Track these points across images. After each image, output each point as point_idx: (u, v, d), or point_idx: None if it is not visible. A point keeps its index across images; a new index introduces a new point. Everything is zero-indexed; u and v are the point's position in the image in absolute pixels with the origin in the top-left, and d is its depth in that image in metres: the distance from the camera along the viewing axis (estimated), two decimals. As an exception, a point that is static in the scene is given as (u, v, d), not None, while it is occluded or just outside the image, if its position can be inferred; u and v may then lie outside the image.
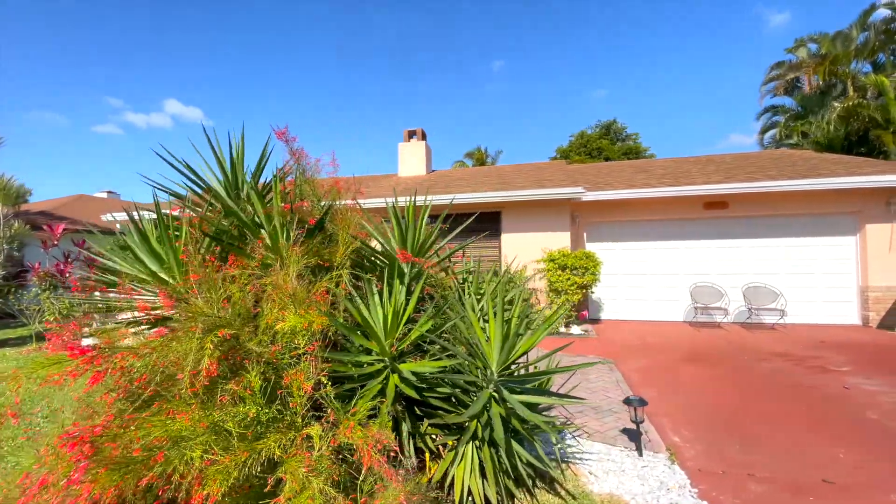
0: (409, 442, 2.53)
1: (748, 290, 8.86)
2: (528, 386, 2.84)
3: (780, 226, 9.04)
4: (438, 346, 2.82)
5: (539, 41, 57.61)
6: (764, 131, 21.29)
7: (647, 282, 9.74)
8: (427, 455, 2.65)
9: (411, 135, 14.14)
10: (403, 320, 2.53)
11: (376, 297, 2.62)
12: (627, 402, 3.47)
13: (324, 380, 2.00)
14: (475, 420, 2.53)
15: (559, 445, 3.47)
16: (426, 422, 2.68)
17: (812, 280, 8.89)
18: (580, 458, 3.37)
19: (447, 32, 57.90)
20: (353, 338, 2.47)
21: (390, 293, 2.62)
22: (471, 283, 3.56)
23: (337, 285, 2.53)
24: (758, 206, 9.03)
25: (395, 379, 2.42)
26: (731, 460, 3.32)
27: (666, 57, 55.49)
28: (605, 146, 35.70)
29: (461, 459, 2.55)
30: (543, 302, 9.13)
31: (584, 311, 8.87)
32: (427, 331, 2.67)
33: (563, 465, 3.20)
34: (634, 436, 3.56)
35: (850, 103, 15.86)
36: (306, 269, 2.41)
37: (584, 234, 10.02)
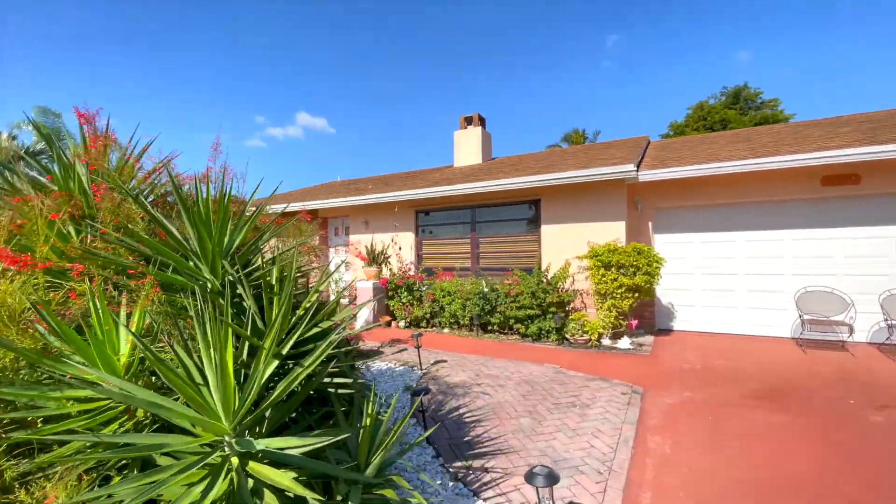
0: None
1: (889, 299, 6.35)
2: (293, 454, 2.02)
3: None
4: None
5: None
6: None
7: (736, 284, 7.65)
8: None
9: (467, 121, 13.33)
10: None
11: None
12: (529, 477, 2.40)
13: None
14: None
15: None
16: None
17: None
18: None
19: (553, 9, 55.09)
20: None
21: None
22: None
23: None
24: (912, 179, 6.40)
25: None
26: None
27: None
28: (732, 117, 30.35)
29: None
30: (591, 308, 7.74)
31: (632, 320, 7.27)
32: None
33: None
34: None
35: None
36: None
37: (650, 224, 8.25)
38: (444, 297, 8.39)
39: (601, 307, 7.21)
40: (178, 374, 1.76)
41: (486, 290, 7.85)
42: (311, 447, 1.97)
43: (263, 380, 1.93)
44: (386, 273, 9.47)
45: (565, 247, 8.14)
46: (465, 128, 13.28)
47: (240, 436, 1.83)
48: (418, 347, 5.71)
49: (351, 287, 9.06)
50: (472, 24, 63.61)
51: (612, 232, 7.70)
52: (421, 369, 5.69)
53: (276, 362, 2.01)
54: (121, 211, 2.51)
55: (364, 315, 6.46)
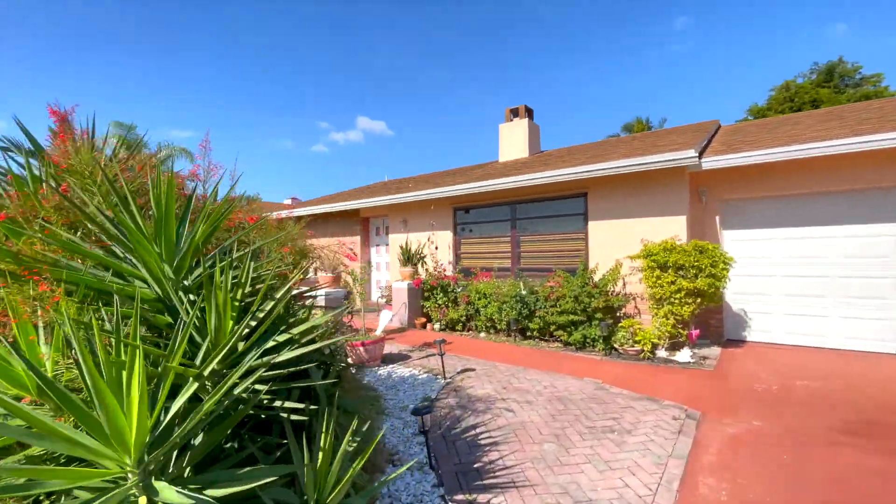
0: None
1: None
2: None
3: None
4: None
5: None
6: None
7: (828, 288, 6.45)
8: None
9: (513, 113, 12.73)
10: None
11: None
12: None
13: None
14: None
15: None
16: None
17: None
18: None
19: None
20: None
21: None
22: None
23: None
24: None
25: None
26: None
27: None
28: (826, 96, 26.86)
29: None
30: (644, 314, 6.91)
31: (693, 329, 6.35)
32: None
33: None
34: None
35: None
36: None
37: (717, 219, 7.23)
38: (479, 299, 7.92)
39: (656, 314, 6.38)
40: (71, 397, 1.49)
41: (523, 292, 7.28)
42: (240, 489, 1.64)
43: (179, 405, 1.62)
44: (422, 273, 9.17)
45: (615, 245, 7.35)
46: (511, 120, 12.69)
47: (146, 472, 1.54)
48: (441, 355, 5.31)
49: (387, 288, 8.86)
50: (526, 12, 62.10)
51: (669, 228, 6.81)
52: (445, 378, 5.28)
53: (197, 384, 1.69)
54: (71, 211, 2.34)
55: (385, 318, 6.17)
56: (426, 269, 9.08)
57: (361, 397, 3.86)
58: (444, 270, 9.04)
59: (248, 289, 2.21)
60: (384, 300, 9.87)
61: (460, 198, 9.50)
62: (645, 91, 63.59)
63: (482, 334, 7.92)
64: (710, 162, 6.61)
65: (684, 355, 6.07)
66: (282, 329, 2.28)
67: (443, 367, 5.35)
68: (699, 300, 6.06)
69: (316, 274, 7.88)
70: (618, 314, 7.17)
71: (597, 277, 7.18)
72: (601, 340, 6.51)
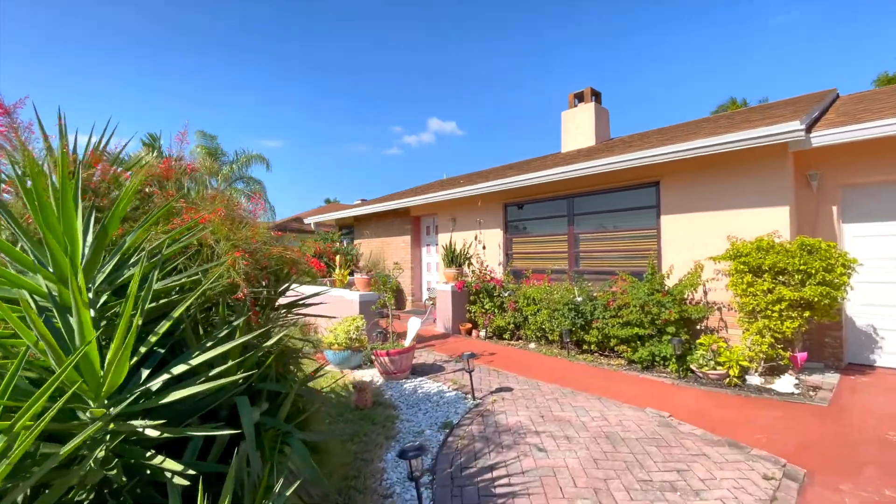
0: None
1: None
2: None
3: None
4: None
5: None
6: None
7: None
8: None
9: (577, 98, 11.65)
10: None
11: None
12: None
13: None
14: None
15: None
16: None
17: None
18: None
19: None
20: None
21: None
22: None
23: None
24: None
25: None
26: None
27: None
28: None
29: None
30: (732, 328, 5.69)
31: (799, 351, 5.02)
32: None
33: None
34: None
35: None
36: None
37: (833, 210, 5.74)
38: (527, 305, 7.10)
39: (747, 329, 5.16)
40: None
41: (578, 299, 6.34)
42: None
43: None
44: (469, 275, 8.52)
45: (694, 244, 6.16)
46: (575, 106, 11.60)
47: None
48: (469, 372, 4.64)
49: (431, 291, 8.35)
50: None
51: (765, 222, 5.51)
52: (474, 399, 4.61)
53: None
54: None
55: (414, 327, 5.62)
56: (473, 271, 8.42)
57: (338, 432, 3.36)
58: (491, 272, 8.30)
59: (150, 304, 1.75)
60: (430, 303, 9.38)
61: (511, 192, 8.71)
62: (742, 70, 56.96)
63: (532, 345, 7.09)
64: (824, 137, 5.21)
65: (785, 384, 4.81)
66: (190, 354, 1.79)
67: (472, 385, 4.68)
68: (807, 314, 4.76)
69: (352, 275, 7.57)
70: (697, 327, 5.99)
71: (670, 283, 6.05)
72: (673, 360, 5.42)
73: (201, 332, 2.14)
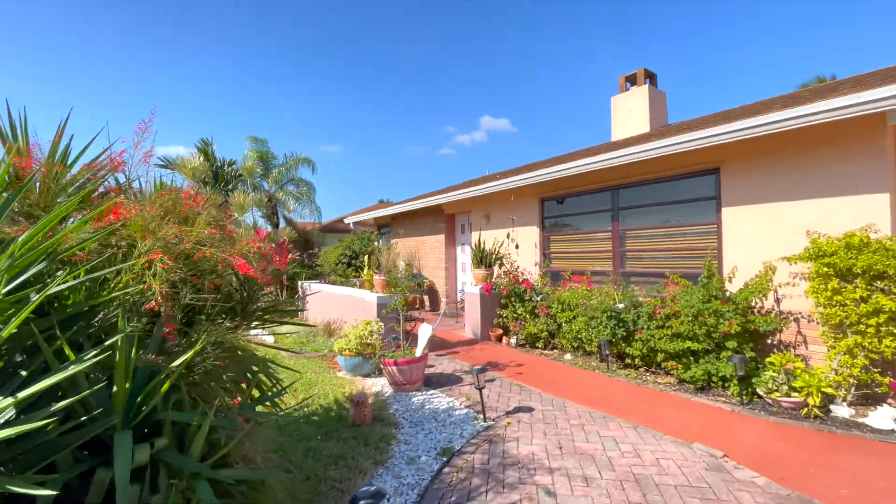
0: None
1: None
2: None
3: None
4: None
5: None
6: None
7: None
8: None
9: (629, 81, 10.63)
10: None
11: None
12: None
13: None
14: None
15: None
16: None
17: None
18: None
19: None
20: None
21: None
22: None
23: None
24: None
25: None
26: None
27: None
28: None
29: None
30: (813, 344, 4.69)
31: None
32: None
33: None
34: None
35: None
36: None
37: (955, 197, 4.54)
38: (561, 311, 6.37)
39: (834, 347, 4.19)
40: None
41: (619, 306, 5.54)
42: None
43: None
44: (502, 275, 7.89)
45: (763, 241, 5.18)
46: (626, 90, 10.57)
47: None
48: (480, 389, 4.07)
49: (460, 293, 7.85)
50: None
51: (857, 214, 4.46)
52: (485, 420, 4.04)
53: None
54: None
55: (425, 334, 5.12)
56: (504, 272, 7.79)
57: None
58: (522, 273, 7.62)
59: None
60: (460, 306, 8.86)
61: (548, 185, 7.97)
62: (830, 47, 50.88)
63: (567, 356, 6.36)
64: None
65: (882, 418, 3.80)
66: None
67: (482, 405, 4.11)
68: (917, 331, 3.73)
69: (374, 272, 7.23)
70: (765, 342, 5.02)
71: (732, 288, 5.12)
72: (734, 381, 4.53)
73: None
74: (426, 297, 11.47)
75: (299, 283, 10.62)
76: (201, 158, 17.08)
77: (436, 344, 7.34)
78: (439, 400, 4.66)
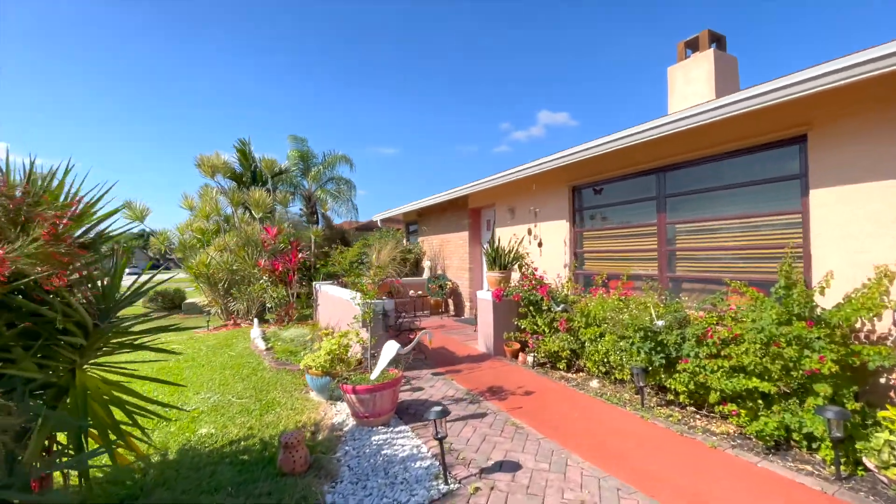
0: None
1: None
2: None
3: None
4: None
5: None
6: None
7: None
8: None
9: (689, 47, 8.95)
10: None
11: None
12: None
13: None
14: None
15: None
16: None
17: None
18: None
19: None
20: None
21: None
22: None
23: None
24: None
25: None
26: None
27: None
28: None
29: None
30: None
31: None
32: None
33: None
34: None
35: None
36: None
37: None
38: (584, 326, 5.09)
39: None
40: None
41: (658, 323, 4.19)
42: None
43: None
44: (525, 278, 6.68)
45: (871, 236, 3.63)
46: (686, 57, 8.88)
47: None
48: (440, 440, 3.00)
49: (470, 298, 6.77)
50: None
51: None
52: (446, 482, 2.97)
53: None
54: None
55: (389, 353, 4.07)
56: (523, 274, 6.56)
57: None
58: (541, 277, 6.35)
59: None
60: (476, 314, 7.74)
61: (579, 169, 6.64)
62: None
63: (593, 383, 5.05)
64: None
65: None
66: None
67: (443, 466, 3.02)
68: None
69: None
70: (880, 383, 3.50)
71: (826, 301, 3.65)
72: (827, 441, 3.09)
73: None
74: (450, 301, 10.43)
75: (314, 283, 10.03)
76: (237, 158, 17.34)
77: (439, 359, 6.31)
78: (403, 442, 3.64)
